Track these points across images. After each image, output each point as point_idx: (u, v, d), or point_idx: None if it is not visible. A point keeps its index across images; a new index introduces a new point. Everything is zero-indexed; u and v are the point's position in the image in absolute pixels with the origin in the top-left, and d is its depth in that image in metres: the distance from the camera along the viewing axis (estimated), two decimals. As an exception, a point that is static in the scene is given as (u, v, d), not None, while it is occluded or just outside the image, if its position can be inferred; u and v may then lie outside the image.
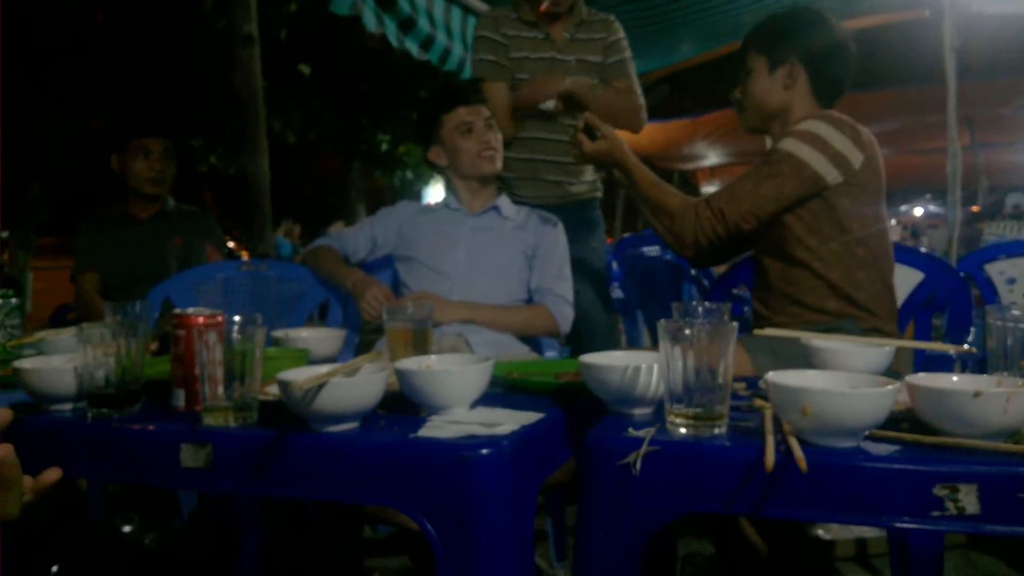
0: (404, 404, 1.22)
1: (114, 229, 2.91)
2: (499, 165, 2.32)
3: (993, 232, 6.65)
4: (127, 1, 8.78)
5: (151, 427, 1.22)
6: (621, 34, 2.75)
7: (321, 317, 2.62)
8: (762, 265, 2.02)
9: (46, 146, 9.35)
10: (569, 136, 2.16)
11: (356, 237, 2.40)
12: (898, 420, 1.06)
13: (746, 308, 2.40)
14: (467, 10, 4.61)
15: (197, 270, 2.63)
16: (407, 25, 4.11)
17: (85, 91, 9.09)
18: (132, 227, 2.90)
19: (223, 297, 2.53)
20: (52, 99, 8.92)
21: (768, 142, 2.05)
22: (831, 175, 1.81)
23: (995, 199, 8.17)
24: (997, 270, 2.95)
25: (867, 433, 0.99)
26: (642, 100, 2.74)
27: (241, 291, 2.57)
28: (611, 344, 2.79)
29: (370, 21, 3.81)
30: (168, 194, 2.97)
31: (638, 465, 0.99)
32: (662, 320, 1.06)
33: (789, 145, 1.83)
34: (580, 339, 2.47)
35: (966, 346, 1.97)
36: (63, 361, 1.34)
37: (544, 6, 2.63)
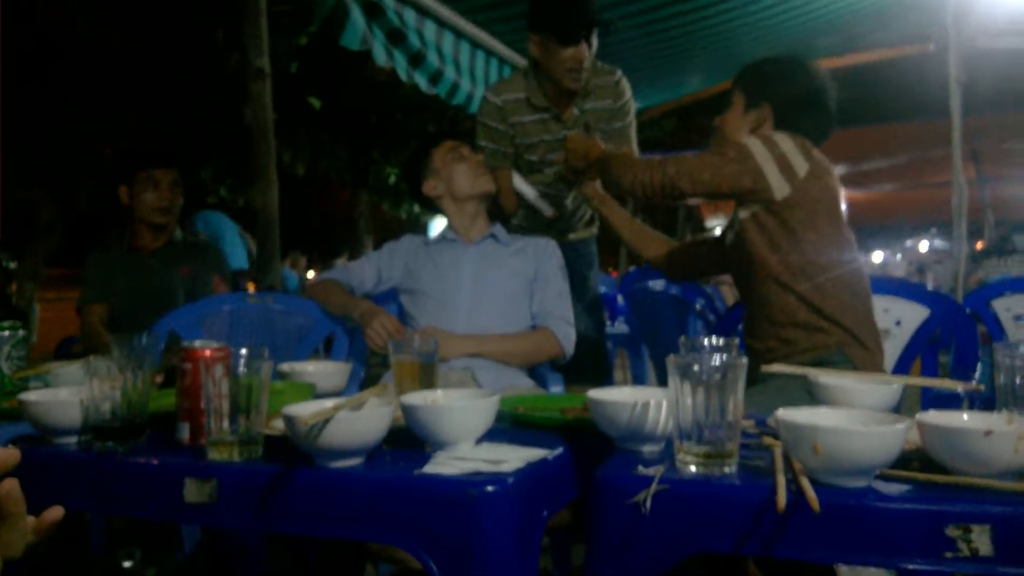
0: (409, 439, 1.22)
1: (122, 260, 2.91)
2: (493, 184, 2.39)
3: (996, 269, 6.63)
4: (141, 33, 8.90)
5: (155, 461, 1.22)
6: (627, 95, 2.70)
7: (326, 351, 2.61)
8: (745, 298, 2.10)
9: (59, 173, 9.43)
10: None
11: (361, 271, 2.41)
12: (908, 459, 1.05)
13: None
14: (476, 45, 4.67)
15: (203, 302, 2.63)
16: (417, 59, 4.16)
17: (97, 120, 9.18)
18: (140, 258, 2.91)
19: (229, 329, 2.53)
20: (65, 127, 9.01)
21: None
22: (775, 180, 1.87)
23: (1001, 235, 8.15)
24: (1004, 306, 2.94)
25: (878, 472, 0.98)
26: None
27: (247, 323, 2.57)
28: (604, 378, 2.81)
29: (380, 55, 3.85)
30: (176, 225, 2.98)
31: (648, 504, 0.98)
32: (671, 356, 1.05)
33: (743, 138, 1.95)
34: (574, 373, 2.47)
35: (973, 383, 1.95)
36: (69, 394, 1.34)
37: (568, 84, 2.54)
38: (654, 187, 1.97)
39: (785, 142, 1.90)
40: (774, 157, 1.88)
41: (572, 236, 2.85)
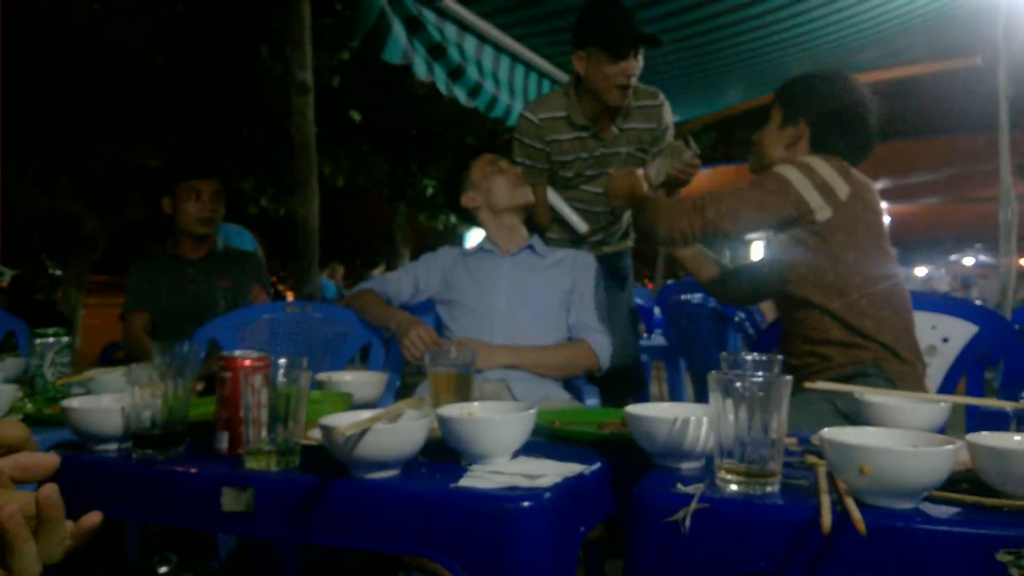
0: (445, 452, 1.21)
1: (164, 269, 2.95)
2: (531, 196, 2.40)
3: None
4: (186, 47, 9.08)
5: (194, 469, 1.22)
6: (669, 118, 2.71)
7: (363, 359, 2.62)
8: (782, 314, 2.11)
9: (105, 183, 9.64)
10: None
11: (399, 281, 2.42)
12: (957, 480, 1.01)
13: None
14: (515, 59, 4.68)
15: (243, 311, 2.66)
16: (456, 73, 4.18)
17: (144, 130, 9.37)
18: (182, 267, 2.95)
19: (268, 338, 2.56)
20: (112, 137, 9.21)
21: None
22: (816, 203, 1.86)
23: None
24: (1055, 323, 2.86)
25: (926, 494, 0.95)
26: None
27: (286, 332, 2.59)
28: (639, 392, 2.80)
29: (420, 69, 3.88)
30: (217, 235, 3.02)
31: (687, 523, 0.96)
32: (713, 372, 1.03)
33: (780, 168, 1.92)
34: (609, 385, 2.45)
35: (1022, 402, 1.90)
36: (110, 401, 1.35)
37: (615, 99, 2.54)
38: (695, 233, 1.95)
39: (823, 167, 1.89)
40: (813, 183, 1.86)
41: (607, 249, 2.85)
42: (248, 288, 2.98)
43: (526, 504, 1.02)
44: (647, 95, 2.66)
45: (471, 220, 2.45)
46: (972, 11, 4.52)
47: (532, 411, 1.21)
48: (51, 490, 0.73)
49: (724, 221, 1.91)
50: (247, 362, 1.27)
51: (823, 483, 0.98)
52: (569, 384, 2.29)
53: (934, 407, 1.28)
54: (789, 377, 1.02)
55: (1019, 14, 4.19)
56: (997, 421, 1.91)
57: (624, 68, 2.47)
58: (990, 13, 4.25)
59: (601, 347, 2.23)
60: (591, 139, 2.66)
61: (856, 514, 0.88)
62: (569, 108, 2.64)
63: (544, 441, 1.36)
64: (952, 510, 0.94)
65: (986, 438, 1.00)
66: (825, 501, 0.92)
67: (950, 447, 0.93)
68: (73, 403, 1.33)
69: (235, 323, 2.55)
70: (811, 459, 1.12)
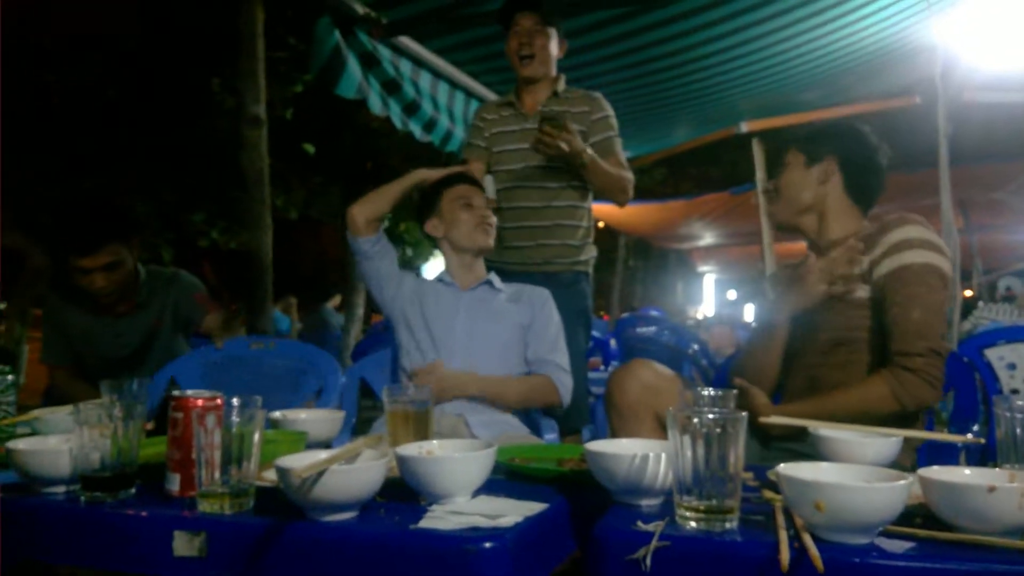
0: (404, 491, 1.20)
1: (87, 325, 2.67)
2: (492, 240, 2.34)
3: (985, 316, 6.65)
4: (138, 77, 8.99)
5: (144, 512, 1.19)
6: (607, 111, 2.83)
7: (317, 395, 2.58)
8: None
9: (49, 216, 9.43)
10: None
11: (392, 259, 2.38)
12: (911, 514, 1.03)
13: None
14: (470, 94, 4.72)
15: (203, 351, 2.57)
16: (411, 108, 4.20)
17: (90, 163, 9.21)
18: (110, 324, 2.68)
19: (229, 375, 2.49)
20: (56, 170, 9.04)
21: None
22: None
23: (989, 281, 8.18)
24: (997, 355, 2.93)
25: (881, 529, 0.97)
26: (630, 175, 2.83)
27: (246, 370, 2.54)
28: (584, 417, 2.79)
29: (375, 104, 3.89)
30: (136, 282, 2.69)
31: (648, 561, 0.96)
32: (671, 408, 1.04)
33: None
34: (558, 417, 2.44)
35: (970, 436, 1.95)
36: (58, 442, 1.31)
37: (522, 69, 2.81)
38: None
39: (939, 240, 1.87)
40: (946, 255, 1.85)
41: (532, 260, 2.78)
42: (191, 301, 2.75)
43: (488, 545, 1.01)
44: (581, 91, 2.89)
45: (434, 244, 2.43)
46: (911, 53, 4.69)
47: (492, 449, 1.21)
48: None
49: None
50: (199, 402, 1.25)
51: (780, 519, 0.99)
52: (526, 417, 2.28)
53: (886, 441, 1.30)
54: (744, 413, 1.03)
55: (955, 56, 4.36)
56: (946, 452, 1.95)
57: (513, 37, 2.79)
58: (928, 55, 4.41)
59: (562, 383, 2.23)
60: (512, 116, 2.87)
61: (813, 551, 0.89)
62: (510, 96, 2.95)
63: (504, 479, 1.36)
64: (906, 544, 0.96)
65: (938, 473, 1.02)
66: (783, 538, 0.93)
67: (903, 482, 0.95)
68: (19, 444, 1.29)
69: (197, 362, 2.48)
70: (768, 494, 1.13)
